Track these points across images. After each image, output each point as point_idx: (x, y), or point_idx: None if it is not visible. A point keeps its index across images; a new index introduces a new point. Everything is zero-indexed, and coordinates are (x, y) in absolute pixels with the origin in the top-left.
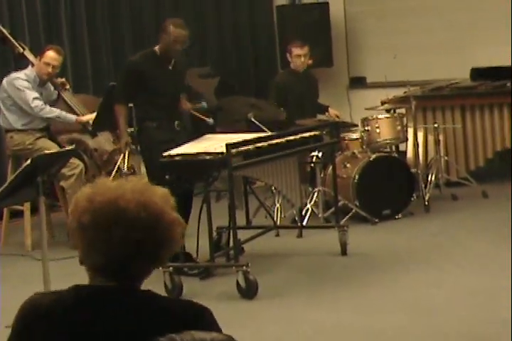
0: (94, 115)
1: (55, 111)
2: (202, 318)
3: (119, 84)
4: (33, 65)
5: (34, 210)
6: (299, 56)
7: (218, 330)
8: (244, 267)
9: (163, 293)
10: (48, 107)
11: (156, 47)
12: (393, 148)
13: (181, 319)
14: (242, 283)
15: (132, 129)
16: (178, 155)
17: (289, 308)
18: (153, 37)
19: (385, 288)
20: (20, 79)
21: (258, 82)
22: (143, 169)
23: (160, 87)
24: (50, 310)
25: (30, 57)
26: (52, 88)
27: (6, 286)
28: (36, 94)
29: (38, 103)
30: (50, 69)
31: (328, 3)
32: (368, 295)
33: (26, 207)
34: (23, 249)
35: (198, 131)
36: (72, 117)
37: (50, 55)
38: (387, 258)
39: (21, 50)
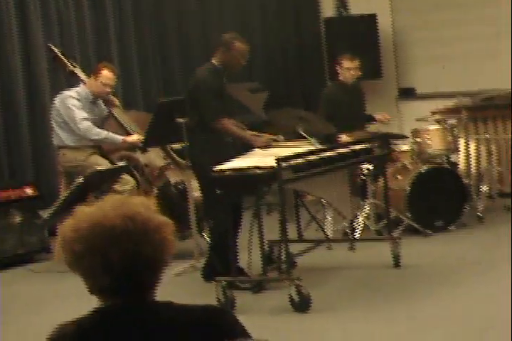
0: (139, 136)
1: (101, 133)
2: (221, 321)
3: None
4: (84, 82)
5: None
6: (349, 69)
7: (242, 330)
8: (296, 281)
9: None
10: (95, 129)
11: (215, 61)
12: (444, 159)
13: (199, 324)
14: (295, 297)
15: (183, 144)
16: (228, 169)
17: (343, 321)
18: (200, 53)
19: (438, 300)
20: (72, 97)
21: (306, 95)
22: (194, 184)
23: (222, 102)
24: (74, 337)
25: (81, 75)
26: (103, 105)
27: (59, 302)
28: (85, 115)
29: (86, 124)
30: (104, 89)
31: (375, 15)
32: (422, 308)
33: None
34: None
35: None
36: (119, 138)
37: (106, 74)
38: (440, 270)
39: (72, 68)
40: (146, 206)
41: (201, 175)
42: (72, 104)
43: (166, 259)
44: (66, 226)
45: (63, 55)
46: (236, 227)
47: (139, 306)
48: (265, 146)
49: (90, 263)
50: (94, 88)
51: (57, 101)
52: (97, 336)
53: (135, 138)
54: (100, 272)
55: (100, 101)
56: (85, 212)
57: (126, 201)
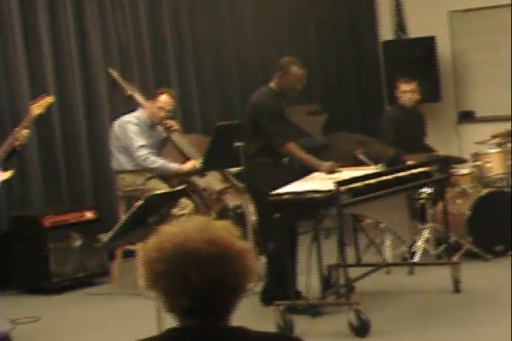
0: (194, 162)
1: (157, 162)
2: None
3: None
4: (143, 107)
5: None
6: (406, 92)
7: None
8: (355, 305)
9: (274, 330)
10: (151, 157)
11: (272, 85)
12: (504, 182)
13: None
14: (355, 321)
15: (240, 168)
16: (286, 193)
17: None
18: (258, 77)
19: (498, 325)
20: (131, 123)
21: (363, 118)
22: (252, 207)
23: (281, 125)
24: None
25: (140, 99)
26: (161, 129)
27: (120, 325)
28: (143, 142)
29: (143, 152)
30: (163, 114)
31: (434, 37)
32: (482, 333)
33: (138, 247)
34: (136, 288)
35: (306, 168)
36: (174, 167)
37: (164, 99)
38: (500, 295)
39: (131, 92)
40: (229, 231)
41: (258, 199)
42: (130, 130)
43: (246, 286)
44: (149, 245)
45: (122, 79)
46: (293, 251)
47: (214, 330)
48: (331, 172)
49: (170, 284)
50: (152, 113)
51: (116, 126)
52: None
53: (189, 165)
54: (179, 294)
55: (158, 126)
56: (169, 233)
57: (210, 224)
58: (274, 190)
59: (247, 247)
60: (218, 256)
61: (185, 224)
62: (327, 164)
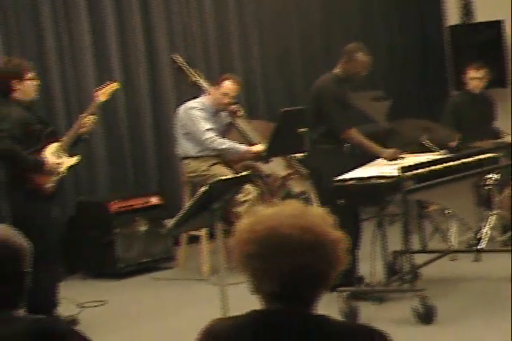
0: (262, 146)
1: (225, 143)
2: None
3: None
4: (207, 93)
5: (210, 236)
6: (474, 78)
7: None
8: (421, 292)
9: (338, 317)
10: (219, 139)
11: (337, 71)
12: None
13: None
14: (420, 308)
15: (303, 154)
16: (350, 179)
17: (467, 333)
18: (322, 62)
19: None
20: (196, 108)
21: (429, 104)
22: (315, 193)
23: (344, 112)
24: (227, 335)
25: (205, 85)
26: (224, 115)
27: (184, 311)
28: (209, 126)
29: (210, 135)
30: (227, 100)
31: (501, 21)
32: None
33: (203, 233)
34: (200, 274)
35: (369, 154)
36: (243, 148)
37: (228, 85)
38: None
39: (196, 79)
40: (325, 219)
41: (320, 185)
42: (196, 115)
43: (334, 276)
44: (242, 226)
45: (187, 66)
46: (357, 237)
47: (299, 317)
48: (393, 159)
49: (260, 267)
50: (216, 99)
51: (181, 111)
52: (251, 337)
53: (259, 147)
54: (268, 277)
55: (222, 112)
56: (263, 215)
57: (306, 211)
58: (337, 176)
59: (341, 237)
60: (310, 244)
61: (281, 208)
62: (389, 151)
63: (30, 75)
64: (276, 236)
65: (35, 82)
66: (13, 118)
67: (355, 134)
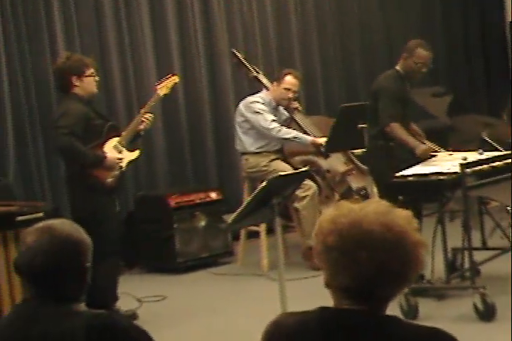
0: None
1: (291, 132)
2: None
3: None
4: (267, 88)
5: (269, 231)
6: None
7: None
8: (481, 289)
9: (398, 314)
10: (284, 129)
11: (398, 67)
12: None
13: None
14: (480, 305)
15: (363, 150)
16: (411, 175)
17: None
18: (383, 58)
19: None
20: (257, 102)
21: (490, 100)
22: (374, 189)
23: (404, 108)
24: (294, 331)
25: (264, 80)
26: (282, 110)
27: (244, 306)
28: (273, 117)
29: (276, 125)
30: (290, 95)
31: None
32: None
33: (262, 228)
34: (259, 268)
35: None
36: (308, 138)
37: (290, 80)
38: None
39: (255, 73)
40: (409, 221)
41: (380, 181)
42: (259, 108)
43: (411, 278)
44: (327, 216)
45: (246, 60)
46: None
47: (374, 318)
48: (425, 156)
49: (337, 260)
50: (278, 94)
51: (241, 106)
52: (318, 334)
53: (324, 139)
54: (343, 271)
55: (281, 107)
56: (347, 208)
57: (391, 210)
58: (396, 172)
59: (423, 241)
60: (391, 242)
61: (366, 204)
62: (423, 147)
63: (90, 72)
64: (359, 230)
65: (95, 79)
66: (74, 114)
67: (397, 128)
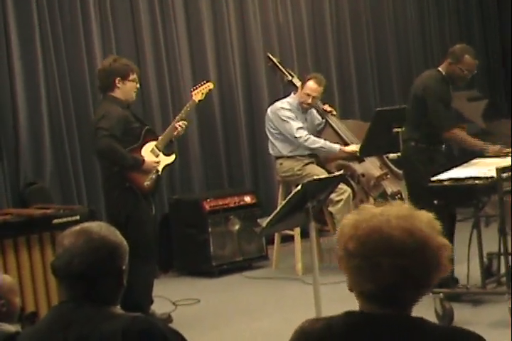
0: (357, 146)
1: (318, 142)
2: None
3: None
4: (294, 92)
5: (304, 235)
6: None
7: None
8: None
9: (433, 319)
10: (311, 138)
11: (441, 69)
12: None
13: None
14: None
15: (397, 154)
16: (447, 179)
17: None
18: (418, 62)
19: None
20: (284, 109)
21: None
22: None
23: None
24: (321, 336)
25: (299, 84)
26: (315, 112)
27: (278, 309)
28: (300, 124)
29: (303, 133)
30: (309, 100)
31: None
32: None
33: (296, 232)
34: (294, 272)
35: (467, 155)
36: (336, 147)
37: (310, 85)
38: None
39: (290, 77)
40: (431, 224)
41: (416, 186)
42: (285, 115)
43: (434, 282)
44: (348, 222)
45: (281, 64)
46: (451, 238)
47: (398, 320)
48: (498, 156)
49: (359, 265)
50: (300, 98)
51: (269, 112)
52: (344, 339)
53: (353, 147)
54: (365, 276)
55: (313, 110)
56: (370, 212)
57: (413, 214)
58: (433, 176)
59: (446, 244)
60: (412, 247)
61: (388, 208)
62: (494, 147)
63: (133, 77)
64: (379, 236)
65: (136, 85)
66: (114, 116)
67: (459, 132)
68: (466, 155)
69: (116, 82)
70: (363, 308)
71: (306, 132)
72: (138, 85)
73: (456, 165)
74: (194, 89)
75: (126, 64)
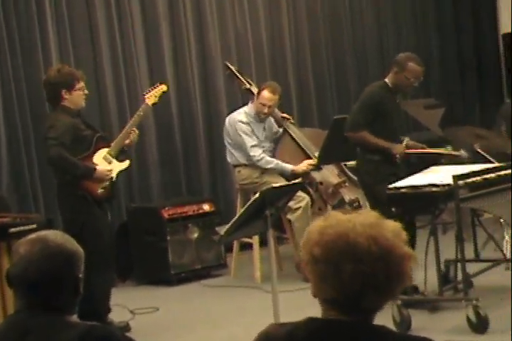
0: (309, 161)
1: (271, 162)
2: None
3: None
4: (251, 101)
5: (263, 243)
6: None
7: None
8: (474, 301)
9: (391, 326)
10: (265, 158)
11: (387, 80)
12: None
13: None
14: (473, 318)
15: (354, 162)
16: (404, 187)
17: None
18: (376, 70)
19: None
20: (241, 122)
21: (483, 112)
22: (367, 202)
23: (389, 121)
24: None
25: (256, 92)
26: (273, 122)
27: (236, 318)
28: (255, 141)
29: (256, 152)
30: (266, 110)
31: None
32: None
33: (255, 240)
34: (252, 280)
35: (424, 163)
36: (288, 169)
37: (265, 95)
38: None
39: (248, 85)
40: (396, 233)
41: (370, 194)
42: (240, 129)
43: (396, 291)
44: (315, 227)
45: (239, 72)
46: (411, 246)
47: (358, 326)
48: (401, 153)
49: (323, 271)
50: (255, 108)
51: (227, 123)
52: None
53: (304, 167)
54: (330, 283)
55: (270, 119)
56: (336, 219)
57: (380, 223)
58: (390, 184)
59: (409, 253)
60: (376, 255)
61: (356, 215)
62: (397, 146)
63: (79, 85)
64: (344, 242)
65: (84, 92)
66: (61, 125)
67: (366, 135)
68: (425, 163)
69: (63, 93)
70: (326, 315)
71: (260, 151)
72: (86, 91)
73: (413, 173)
74: (147, 93)
75: (70, 74)
